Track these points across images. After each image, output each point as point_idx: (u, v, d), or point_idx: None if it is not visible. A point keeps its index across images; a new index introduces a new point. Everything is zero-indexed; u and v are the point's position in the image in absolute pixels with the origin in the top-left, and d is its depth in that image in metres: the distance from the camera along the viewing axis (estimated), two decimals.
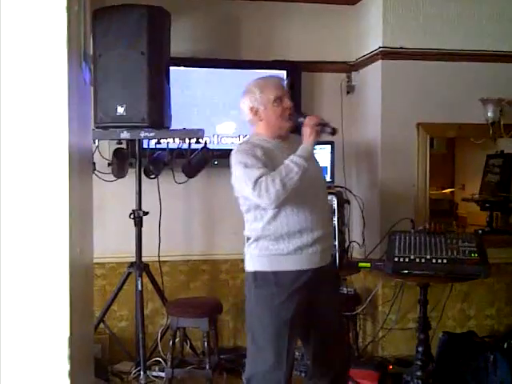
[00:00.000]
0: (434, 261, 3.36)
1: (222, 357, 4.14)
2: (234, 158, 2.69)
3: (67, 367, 1.30)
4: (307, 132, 2.64)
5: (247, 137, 2.85)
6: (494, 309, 4.44)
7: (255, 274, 2.69)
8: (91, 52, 3.58)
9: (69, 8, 1.39)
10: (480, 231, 4.33)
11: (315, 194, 2.74)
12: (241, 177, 2.61)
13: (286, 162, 2.58)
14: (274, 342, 2.64)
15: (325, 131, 2.67)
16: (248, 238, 2.75)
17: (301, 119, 2.70)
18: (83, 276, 1.76)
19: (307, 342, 2.85)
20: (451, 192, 5.61)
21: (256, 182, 2.52)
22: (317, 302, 2.73)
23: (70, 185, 1.41)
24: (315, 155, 2.75)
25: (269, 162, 2.61)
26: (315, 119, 2.67)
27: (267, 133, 2.75)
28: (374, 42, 4.26)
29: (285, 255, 2.65)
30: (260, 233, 2.67)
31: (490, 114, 4.17)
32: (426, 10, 4.21)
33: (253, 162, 2.59)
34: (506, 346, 3.80)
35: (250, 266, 2.73)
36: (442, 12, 4.22)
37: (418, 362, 3.56)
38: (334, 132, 2.68)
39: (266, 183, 2.51)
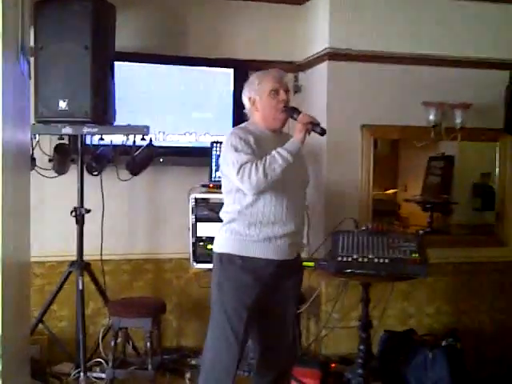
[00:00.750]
0: (376, 260, 3.41)
1: (165, 357, 4.11)
2: (226, 140, 2.78)
3: None
4: (298, 128, 2.75)
5: (244, 123, 2.94)
6: (433, 308, 4.54)
7: (222, 255, 2.78)
8: (32, 44, 3.49)
9: None
10: (421, 231, 4.42)
11: (295, 189, 2.84)
12: (229, 159, 2.70)
13: (273, 152, 2.68)
14: (232, 323, 2.72)
15: (315, 130, 2.78)
16: (222, 220, 2.85)
17: (295, 115, 2.81)
18: (18, 274, 1.70)
19: (259, 333, 2.89)
20: (394, 193, 5.72)
21: (241, 166, 2.64)
22: (278, 294, 2.82)
23: (3, 180, 1.36)
24: (302, 153, 2.85)
25: (258, 150, 2.72)
26: (308, 117, 2.77)
27: (262, 123, 2.85)
28: (321, 42, 4.29)
29: (254, 242, 2.73)
30: (235, 216, 2.76)
31: (431, 117, 4.26)
32: (373, 13, 4.27)
33: (243, 147, 2.69)
34: (444, 343, 3.89)
35: (218, 247, 2.82)
36: (389, 15, 4.29)
37: (360, 360, 3.61)
38: (323, 133, 2.79)
39: (250, 170, 2.62)
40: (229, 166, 2.70)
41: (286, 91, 2.85)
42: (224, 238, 2.79)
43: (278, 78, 2.86)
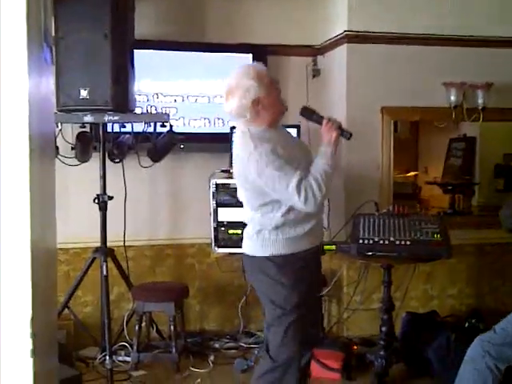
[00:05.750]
0: (397, 242, 3.41)
1: (188, 340, 4.17)
2: (256, 159, 2.60)
3: (30, 346, 1.29)
4: (333, 135, 2.69)
5: (246, 133, 2.70)
6: (455, 289, 4.54)
7: (274, 258, 2.71)
8: (53, 33, 3.52)
9: None
10: (442, 213, 4.41)
11: None
12: (275, 178, 2.58)
13: (325, 167, 2.64)
14: (298, 313, 2.71)
15: (343, 135, 2.72)
16: (257, 228, 2.74)
17: (315, 117, 2.78)
18: (45, 259, 1.74)
19: None
20: (415, 175, 5.70)
21: (299, 187, 2.56)
22: (313, 276, 2.87)
23: (31, 168, 1.39)
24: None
25: (286, 154, 2.63)
26: (337, 122, 2.73)
27: (268, 122, 2.70)
28: (340, 25, 4.28)
29: (301, 237, 2.72)
30: (278, 221, 2.69)
31: (452, 98, 4.23)
32: None
33: (281, 163, 2.58)
34: (466, 325, 3.89)
35: (261, 251, 2.74)
36: None
37: (382, 342, 3.63)
38: (350, 137, 2.74)
39: (312, 188, 2.58)
40: (277, 186, 2.59)
41: None
42: (269, 241, 2.72)
43: (266, 70, 2.77)
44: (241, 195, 2.83)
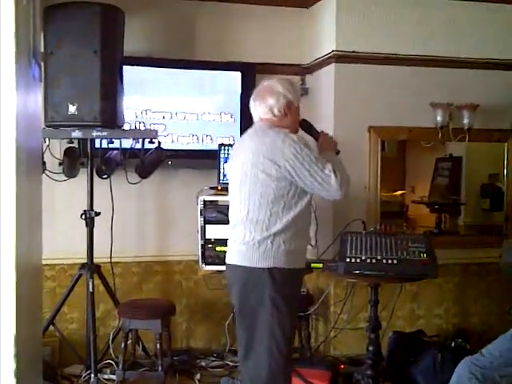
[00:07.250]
0: (384, 261, 3.42)
1: (174, 358, 4.13)
2: (295, 143, 2.64)
3: (13, 366, 1.27)
4: (334, 143, 2.97)
5: (273, 127, 2.76)
6: (441, 308, 4.54)
7: (271, 270, 2.64)
8: (42, 49, 3.52)
9: (17, 1, 1.37)
10: (429, 232, 4.43)
11: None
12: (312, 159, 2.64)
13: (339, 160, 2.85)
14: (290, 340, 2.76)
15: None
16: (258, 238, 2.66)
17: (313, 131, 3.03)
18: (30, 275, 1.72)
19: None
20: (401, 194, 5.72)
21: (334, 170, 2.67)
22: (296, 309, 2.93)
23: (18, 184, 1.38)
24: None
25: None
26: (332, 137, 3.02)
27: (289, 129, 2.78)
28: (328, 45, 4.31)
29: (296, 252, 2.72)
30: (287, 223, 2.65)
31: (439, 118, 4.28)
32: (379, 15, 4.30)
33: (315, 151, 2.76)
34: (453, 344, 3.89)
35: (265, 262, 2.65)
36: (395, 17, 4.31)
37: (369, 361, 3.61)
38: (338, 153, 2.98)
39: (344, 175, 2.72)
40: (313, 167, 2.62)
41: None
42: (273, 250, 2.64)
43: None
44: (251, 189, 2.69)
